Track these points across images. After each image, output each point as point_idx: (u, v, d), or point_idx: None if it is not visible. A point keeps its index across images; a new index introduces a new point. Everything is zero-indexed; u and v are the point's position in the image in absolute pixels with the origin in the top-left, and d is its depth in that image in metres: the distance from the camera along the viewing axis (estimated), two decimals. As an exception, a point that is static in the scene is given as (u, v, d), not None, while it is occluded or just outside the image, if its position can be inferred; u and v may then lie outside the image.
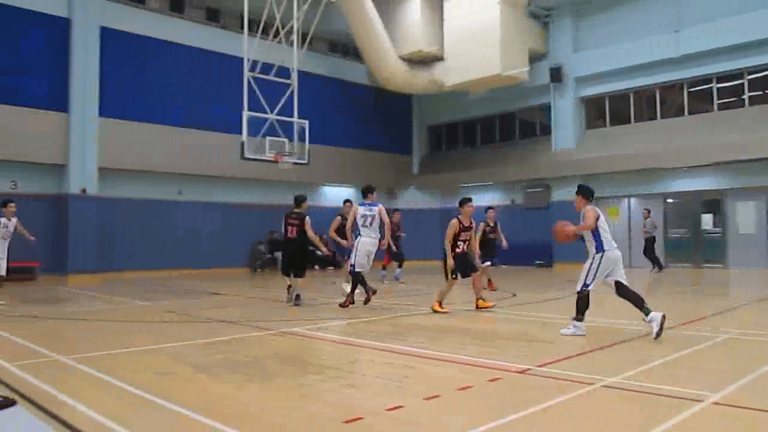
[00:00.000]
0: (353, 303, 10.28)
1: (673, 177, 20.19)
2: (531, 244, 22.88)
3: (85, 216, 17.92)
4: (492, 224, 13.56)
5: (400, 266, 16.28)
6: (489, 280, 13.57)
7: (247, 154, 16.57)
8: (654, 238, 19.15)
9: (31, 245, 12.21)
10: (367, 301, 10.37)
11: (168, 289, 15.02)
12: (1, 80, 16.81)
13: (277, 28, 17.74)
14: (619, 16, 21.43)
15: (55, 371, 5.63)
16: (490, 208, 14.12)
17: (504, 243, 13.91)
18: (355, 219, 10.41)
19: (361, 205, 10.51)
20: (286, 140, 17.33)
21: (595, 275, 7.48)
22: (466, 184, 25.35)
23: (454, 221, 9.76)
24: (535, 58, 22.61)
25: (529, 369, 5.39)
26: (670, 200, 20.93)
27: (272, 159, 17.04)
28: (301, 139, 17.64)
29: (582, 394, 4.55)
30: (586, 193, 7.95)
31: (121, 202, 19.29)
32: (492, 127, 26.02)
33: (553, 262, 22.41)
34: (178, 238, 20.33)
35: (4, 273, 11.58)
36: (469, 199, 9.98)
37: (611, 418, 4.03)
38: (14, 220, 11.67)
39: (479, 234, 13.46)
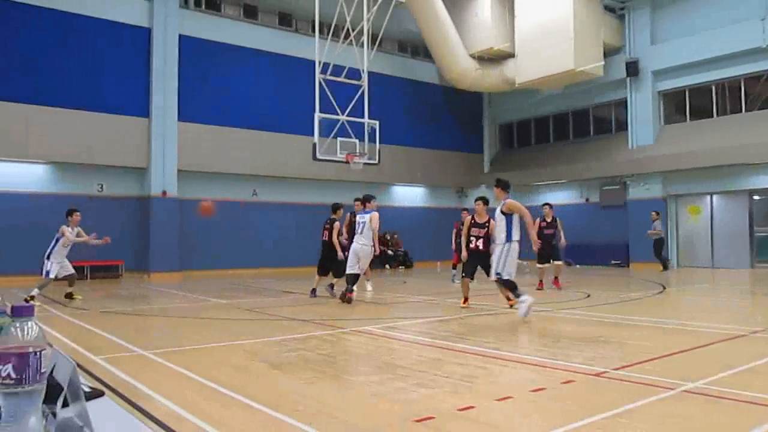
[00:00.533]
0: (350, 301, 10.86)
1: (759, 172, 19.16)
2: (607, 244, 22.30)
3: (166, 217, 18.66)
4: (549, 220, 13.62)
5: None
6: (545, 279, 13.53)
7: (319, 155, 16.82)
8: (662, 239, 19.57)
9: (103, 246, 12.33)
10: (342, 297, 10.98)
11: (243, 287, 15.43)
12: (87, 89, 17.72)
13: (348, 30, 17.93)
14: (699, 5, 20.51)
15: (138, 364, 5.88)
16: (546, 204, 14.15)
17: (562, 240, 13.81)
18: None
19: (358, 213, 11.69)
20: (356, 141, 17.50)
21: (505, 263, 8.56)
22: (538, 182, 24.92)
23: (468, 217, 10.41)
24: (610, 52, 21.98)
25: (604, 372, 5.24)
26: (756, 197, 19.91)
27: (343, 160, 17.24)
28: (372, 139, 17.77)
29: (661, 399, 4.39)
30: (505, 186, 9.09)
31: (199, 203, 19.96)
32: (565, 123, 25.45)
33: (629, 261, 21.73)
34: (252, 238, 20.87)
35: (53, 277, 11.58)
36: (481, 198, 10.42)
37: (693, 424, 3.86)
38: (77, 229, 11.81)
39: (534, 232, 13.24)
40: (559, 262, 13.73)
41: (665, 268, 19.26)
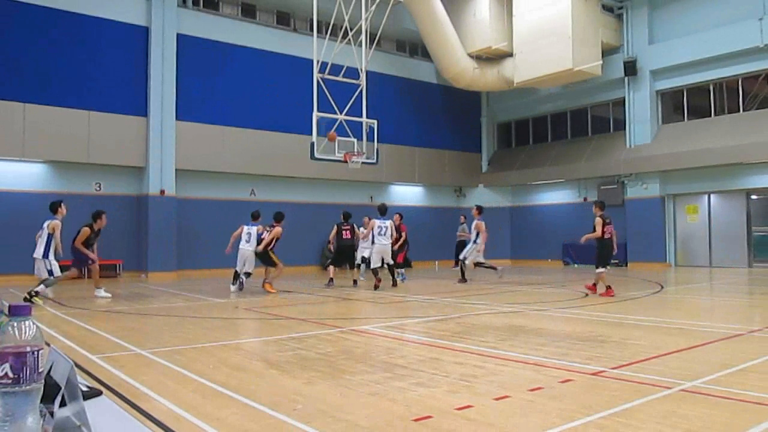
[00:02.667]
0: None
1: (757, 172, 19.20)
2: (605, 243, 22.28)
3: (163, 216, 18.63)
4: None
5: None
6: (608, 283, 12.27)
7: (317, 155, 16.81)
8: (466, 241, 21.46)
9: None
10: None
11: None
12: (85, 87, 17.69)
13: (346, 29, 17.93)
14: (697, 5, 20.55)
15: (136, 364, 5.88)
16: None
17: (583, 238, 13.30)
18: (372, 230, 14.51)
19: (376, 219, 14.76)
20: (354, 140, 17.49)
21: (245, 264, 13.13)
22: (536, 181, 24.94)
23: (278, 229, 14.10)
24: (608, 52, 22.01)
25: (602, 371, 5.25)
26: (754, 197, 19.95)
27: (341, 159, 17.23)
28: (370, 138, 17.76)
29: (659, 398, 4.39)
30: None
31: (196, 202, 19.95)
32: (563, 123, 25.47)
33: (627, 261, 21.76)
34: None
35: (57, 274, 11.56)
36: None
37: (691, 423, 3.86)
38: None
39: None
40: (599, 270, 12.29)
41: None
